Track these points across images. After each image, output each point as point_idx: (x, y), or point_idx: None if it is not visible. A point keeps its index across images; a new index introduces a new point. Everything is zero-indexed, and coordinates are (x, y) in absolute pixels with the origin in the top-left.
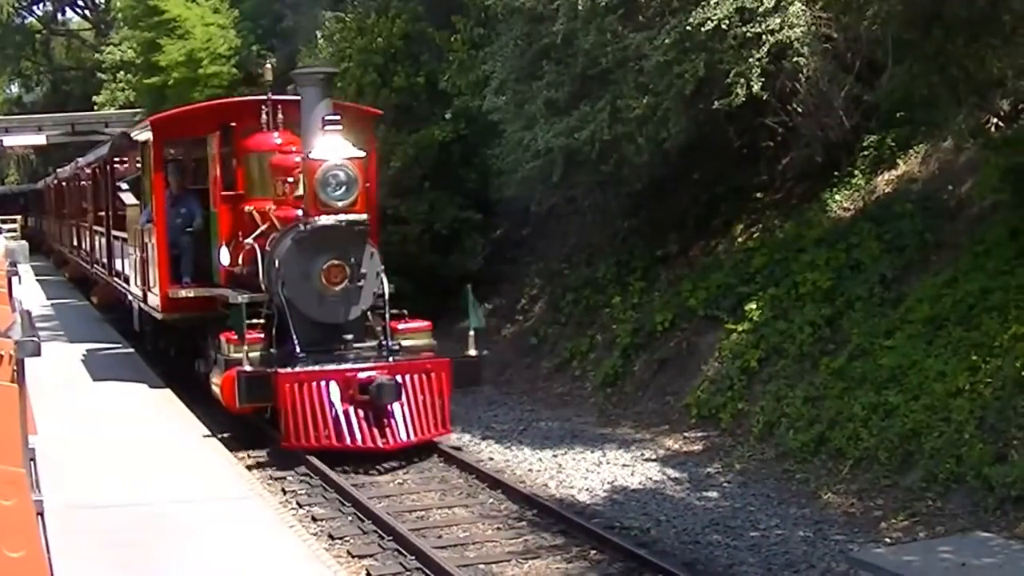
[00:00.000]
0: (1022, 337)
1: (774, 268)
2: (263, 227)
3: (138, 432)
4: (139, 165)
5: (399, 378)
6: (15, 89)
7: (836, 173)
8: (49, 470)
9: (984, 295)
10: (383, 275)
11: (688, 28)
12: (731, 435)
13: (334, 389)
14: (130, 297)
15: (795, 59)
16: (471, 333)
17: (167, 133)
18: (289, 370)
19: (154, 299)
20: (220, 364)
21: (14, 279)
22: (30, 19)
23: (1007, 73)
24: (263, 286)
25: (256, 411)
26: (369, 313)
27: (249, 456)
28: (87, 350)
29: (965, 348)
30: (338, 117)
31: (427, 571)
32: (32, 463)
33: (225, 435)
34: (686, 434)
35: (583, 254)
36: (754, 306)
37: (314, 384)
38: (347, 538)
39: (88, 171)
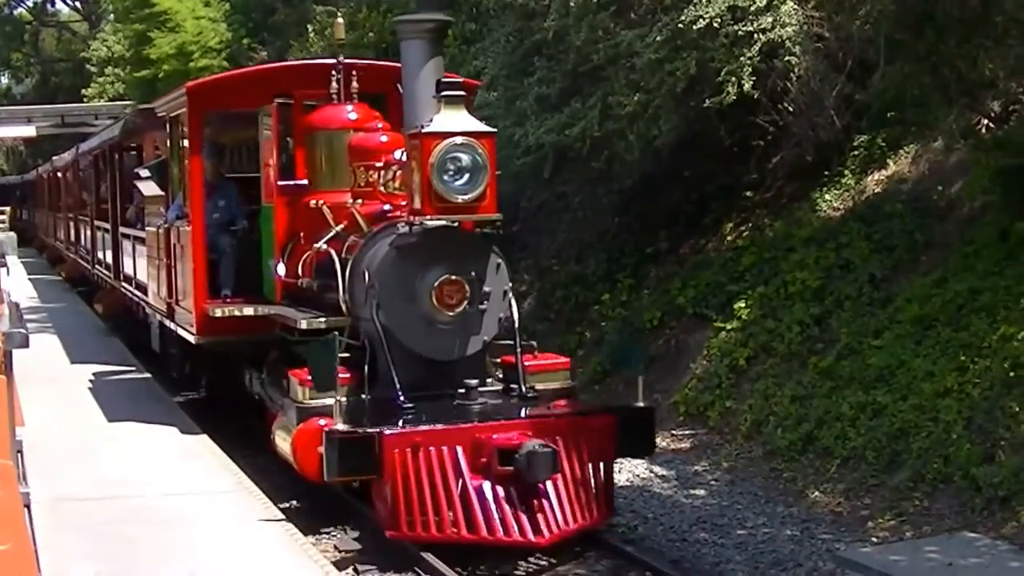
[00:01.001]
0: (1011, 338)
1: (763, 267)
2: (338, 227)
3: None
4: (159, 147)
5: (546, 440)
6: (5, 80)
7: (826, 172)
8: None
9: (973, 296)
10: (511, 294)
11: (680, 26)
12: (719, 433)
13: (463, 457)
14: (148, 310)
15: (787, 58)
16: (639, 377)
17: (207, 104)
18: (399, 429)
19: (185, 316)
20: (291, 414)
21: (2, 271)
22: (20, 10)
23: (998, 74)
24: (343, 307)
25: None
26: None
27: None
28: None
29: (954, 348)
30: (460, 80)
31: (416, 567)
32: (19, 455)
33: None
34: (674, 432)
35: (573, 251)
36: (743, 305)
37: (433, 450)
38: (334, 532)
39: (90, 158)
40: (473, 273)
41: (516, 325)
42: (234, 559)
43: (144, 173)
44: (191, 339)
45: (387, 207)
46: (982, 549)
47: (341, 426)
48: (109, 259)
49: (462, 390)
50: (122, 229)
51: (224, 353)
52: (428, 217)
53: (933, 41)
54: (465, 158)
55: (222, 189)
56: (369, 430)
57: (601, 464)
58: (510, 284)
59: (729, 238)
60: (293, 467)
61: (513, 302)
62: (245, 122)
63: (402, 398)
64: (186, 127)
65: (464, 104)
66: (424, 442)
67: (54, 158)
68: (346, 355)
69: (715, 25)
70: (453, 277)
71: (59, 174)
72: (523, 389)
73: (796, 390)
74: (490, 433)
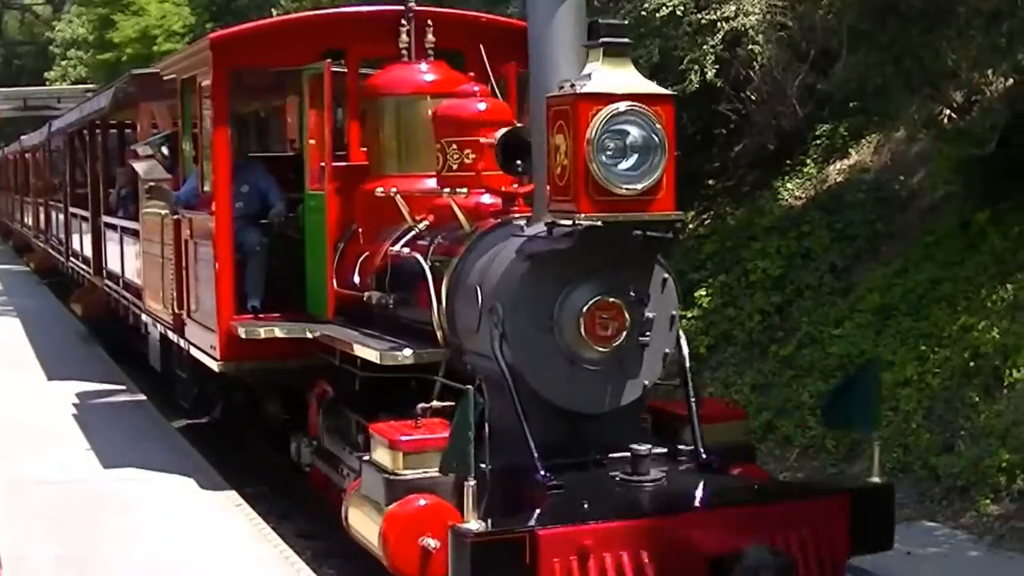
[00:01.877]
0: (970, 328)
1: (725, 255)
2: (420, 224)
3: None
4: (157, 121)
5: (768, 538)
6: None
7: (788, 161)
8: None
9: (934, 285)
10: (678, 322)
11: (643, 13)
12: None
13: (649, 567)
14: (144, 318)
15: (750, 47)
16: (876, 441)
17: (236, 60)
18: (559, 527)
19: (202, 334)
20: (374, 485)
21: None
22: None
23: (961, 65)
24: (438, 334)
25: None
26: None
27: None
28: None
29: (914, 338)
30: (623, 23)
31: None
32: None
33: None
34: None
35: None
36: (704, 293)
37: (608, 557)
38: (294, 518)
39: (65, 136)
40: (633, 293)
41: (687, 363)
42: (197, 543)
43: (143, 151)
44: (213, 365)
45: (487, 198)
46: (941, 538)
47: (475, 523)
48: (88, 251)
49: (616, 454)
50: (106, 218)
51: (252, 381)
52: (582, 215)
53: (896, 31)
54: (635, 132)
55: (246, 171)
56: (518, 529)
57: (830, 566)
58: (678, 307)
59: (691, 226)
60: (380, 559)
61: (681, 333)
62: (269, 88)
63: (543, 472)
64: (208, 90)
65: (629, 56)
66: (595, 546)
67: (22, 137)
68: (435, 404)
69: (678, 13)
70: (610, 299)
71: (27, 155)
72: (701, 453)
73: (756, 378)
74: (688, 531)
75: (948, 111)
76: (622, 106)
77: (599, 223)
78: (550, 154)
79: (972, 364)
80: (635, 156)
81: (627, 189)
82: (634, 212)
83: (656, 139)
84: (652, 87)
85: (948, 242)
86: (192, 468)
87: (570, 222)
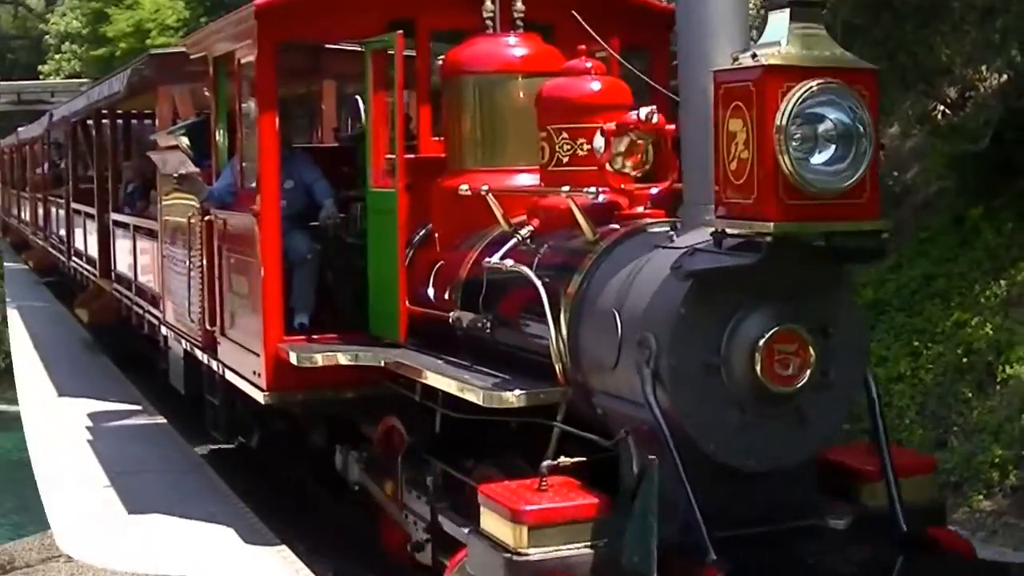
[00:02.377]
0: (964, 324)
1: None
2: (522, 230)
3: None
4: (179, 109)
5: None
6: None
7: None
8: None
9: (927, 281)
10: (868, 356)
11: None
12: None
13: None
14: (164, 331)
15: None
16: None
17: (285, 31)
18: None
19: (242, 358)
20: (488, 564)
21: None
22: None
23: (955, 61)
24: (557, 369)
25: None
26: None
27: None
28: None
29: (907, 334)
30: None
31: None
32: None
33: None
34: None
35: None
36: None
37: None
38: (286, 513)
39: (67, 127)
40: (818, 321)
41: (878, 407)
42: (194, 541)
43: (165, 141)
44: (257, 396)
45: (606, 197)
46: None
47: None
48: (93, 251)
49: (794, 522)
50: (115, 215)
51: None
52: (771, 223)
53: (890, 26)
54: (833, 117)
55: (290, 164)
56: None
57: None
58: (869, 338)
59: None
60: None
61: (870, 371)
62: (296, 70)
63: (715, 556)
64: (251, 68)
65: (822, 21)
66: None
67: (19, 129)
68: (565, 460)
69: None
70: (792, 329)
71: (25, 147)
72: (902, 524)
73: None
74: None
75: (942, 107)
76: (816, 83)
77: (778, 234)
78: (720, 145)
79: (965, 360)
80: (832, 147)
81: (823, 190)
82: (831, 220)
83: (860, 127)
84: (852, 59)
85: (942, 238)
86: (189, 466)
87: (749, 231)
